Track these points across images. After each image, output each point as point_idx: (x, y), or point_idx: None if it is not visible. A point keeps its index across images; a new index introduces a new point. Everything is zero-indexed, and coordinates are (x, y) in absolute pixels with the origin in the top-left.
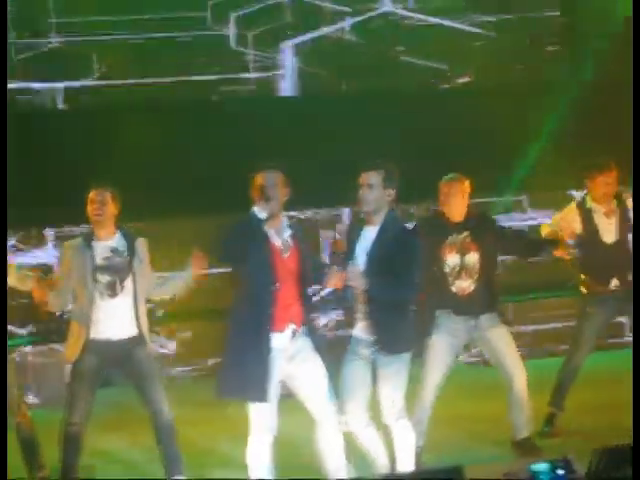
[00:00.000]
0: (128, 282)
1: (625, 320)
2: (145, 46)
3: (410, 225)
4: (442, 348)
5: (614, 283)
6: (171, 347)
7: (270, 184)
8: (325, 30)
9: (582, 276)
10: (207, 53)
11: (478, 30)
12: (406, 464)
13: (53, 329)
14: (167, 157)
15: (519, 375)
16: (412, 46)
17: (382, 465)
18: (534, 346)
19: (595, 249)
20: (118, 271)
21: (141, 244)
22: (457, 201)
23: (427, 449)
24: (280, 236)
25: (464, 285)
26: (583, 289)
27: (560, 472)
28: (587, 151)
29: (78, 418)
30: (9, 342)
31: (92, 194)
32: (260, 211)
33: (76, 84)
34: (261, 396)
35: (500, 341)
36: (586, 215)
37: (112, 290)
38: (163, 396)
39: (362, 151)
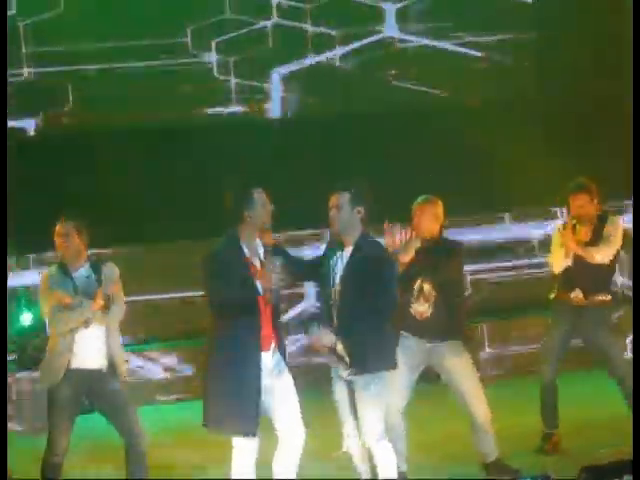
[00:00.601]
0: (99, 312)
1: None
2: (127, 75)
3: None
4: (398, 370)
5: (575, 293)
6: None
7: (262, 203)
8: (315, 59)
9: (554, 284)
10: (190, 81)
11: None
12: None
13: (35, 356)
14: (147, 183)
15: (480, 410)
16: (404, 69)
17: None
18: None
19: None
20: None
21: (110, 269)
22: (428, 224)
23: (411, 473)
24: (256, 254)
25: (421, 309)
26: (552, 294)
27: None
28: (571, 168)
29: (59, 449)
30: None
31: (58, 227)
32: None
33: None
34: (253, 430)
35: (458, 372)
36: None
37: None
38: (138, 427)
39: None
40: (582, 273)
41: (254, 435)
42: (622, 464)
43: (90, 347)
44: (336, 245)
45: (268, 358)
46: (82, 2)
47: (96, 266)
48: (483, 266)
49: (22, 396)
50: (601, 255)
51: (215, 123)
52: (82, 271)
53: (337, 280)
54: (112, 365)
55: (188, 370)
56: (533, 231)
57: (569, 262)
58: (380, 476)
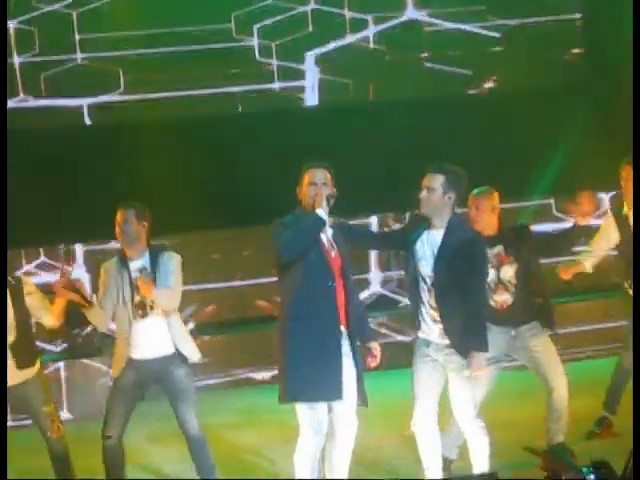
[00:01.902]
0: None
1: None
2: (168, 59)
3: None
4: None
5: None
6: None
7: (328, 181)
8: (347, 39)
9: (628, 280)
10: (232, 64)
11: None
12: (481, 466)
13: (83, 345)
14: (194, 171)
15: (561, 384)
16: (436, 52)
17: (433, 473)
18: (576, 347)
19: (631, 251)
20: None
21: (167, 259)
22: (487, 216)
23: (460, 457)
24: (326, 234)
25: (502, 299)
26: (629, 290)
27: (592, 476)
28: (613, 153)
29: (112, 431)
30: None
31: (118, 215)
32: (324, 213)
33: (103, 99)
34: (338, 394)
35: (542, 350)
36: (621, 222)
37: (142, 309)
38: (194, 416)
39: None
40: None
41: (341, 398)
42: None
43: (147, 337)
44: (420, 223)
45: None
46: None
47: (155, 256)
48: None
49: (72, 384)
50: None
51: (264, 111)
52: (139, 262)
53: (427, 261)
54: (179, 352)
55: None
56: None
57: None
58: (472, 455)
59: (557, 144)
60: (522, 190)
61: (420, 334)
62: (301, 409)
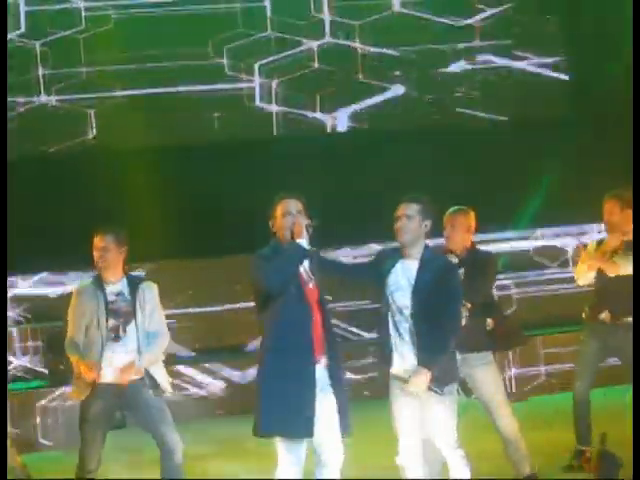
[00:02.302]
0: (131, 327)
1: None
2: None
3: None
4: None
5: (603, 315)
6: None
7: (303, 211)
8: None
9: (585, 304)
10: (227, 109)
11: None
12: None
13: (65, 373)
14: (177, 199)
15: (503, 416)
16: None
17: None
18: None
19: (598, 281)
20: (121, 315)
21: (146, 288)
22: (460, 234)
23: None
24: (303, 266)
25: None
26: (583, 315)
27: None
28: (595, 186)
29: (91, 465)
30: (22, 385)
31: (95, 240)
32: (305, 243)
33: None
34: (310, 431)
35: (485, 381)
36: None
37: (115, 334)
38: (175, 438)
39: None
40: (612, 292)
41: (311, 436)
42: None
43: (121, 361)
44: (392, 255)
45: (317, 372)
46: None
47: (133, 283)
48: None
49: (52, 412)
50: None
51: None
52: (116, 287)
53: (404, 291)
54: (149, 378)
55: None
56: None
57: (592, 276)
58: None
59: (540, 176)
60: (505, 222)
61: (394, 370)
62: (278, 441)
